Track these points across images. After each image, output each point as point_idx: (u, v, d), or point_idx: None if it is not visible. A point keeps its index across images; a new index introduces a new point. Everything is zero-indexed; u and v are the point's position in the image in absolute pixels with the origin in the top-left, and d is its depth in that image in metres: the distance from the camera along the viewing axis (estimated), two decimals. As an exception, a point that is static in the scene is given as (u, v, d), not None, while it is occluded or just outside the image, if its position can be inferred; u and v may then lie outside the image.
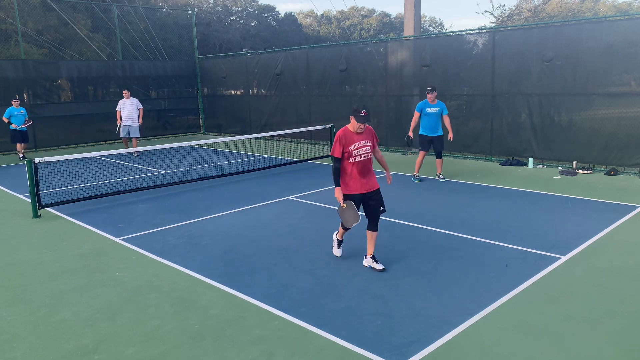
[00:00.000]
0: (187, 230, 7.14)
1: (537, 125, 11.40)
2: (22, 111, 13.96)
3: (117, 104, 14.59)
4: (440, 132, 9.81)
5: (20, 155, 14.34)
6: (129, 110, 14.23)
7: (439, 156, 10.01)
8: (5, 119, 13.75)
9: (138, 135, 14.46)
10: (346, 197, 5.33)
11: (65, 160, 11.50)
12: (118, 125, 14.37)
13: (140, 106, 14.50)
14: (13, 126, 13.81)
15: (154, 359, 3.84)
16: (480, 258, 5.73)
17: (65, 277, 5.52)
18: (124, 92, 14.35)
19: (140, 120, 14.46)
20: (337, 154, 5.27)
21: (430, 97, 9.60)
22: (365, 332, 4.13)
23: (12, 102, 13.85)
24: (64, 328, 4.37)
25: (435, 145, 9.88)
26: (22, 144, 14.29)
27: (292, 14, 46.15)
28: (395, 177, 10.29)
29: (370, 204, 5.44)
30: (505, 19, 28.34)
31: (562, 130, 11.04)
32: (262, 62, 17.74)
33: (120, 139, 14.75)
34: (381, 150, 14.53)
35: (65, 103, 17.31)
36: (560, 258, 5.66)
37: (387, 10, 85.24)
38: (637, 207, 7.77)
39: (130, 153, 14.32)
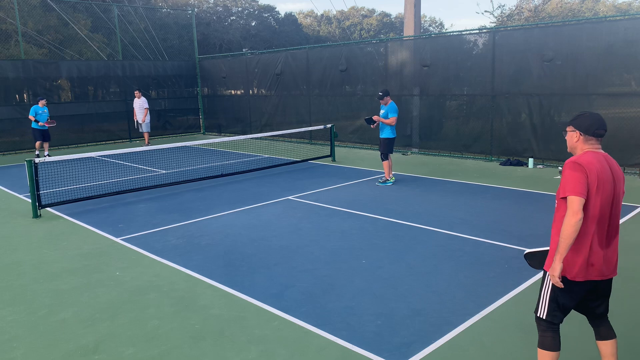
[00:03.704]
0: (187, 230, 7.14)
1: (537, 125, 11.40)
2: (45, 110, 14.00)
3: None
4: (381, 134, 9.75)
5: (45, 152, 14.30)
6: (136, 110, 16.24)
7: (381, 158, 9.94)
8: (31, 117, 13.74)
9: (145, 130, 16.31)
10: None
11: (65, 160, 11.49)
12: (135, 121, 16.50)
13: (146, 106, 16.16)
14: (39, 124, 13.79)
15: (154, 359, 3.84)
16: (480, 258, 5.73)
17: (65, 277, 5.52)
18: (135, 92, 16.23)
19: (144, 118, 16.16)
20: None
21: (381, 102, 9.68)
22: (365, 332, 4.12)
23: (39, 102, 13.87)
24: (64, 328, 4.37)
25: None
26: (45, 143, 14.25)
27: (292, 14, 46.15)
28: (395, 177, 10.27)
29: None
30: (505, 19, 28.33)
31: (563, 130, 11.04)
32: (262, 62, 17.74)
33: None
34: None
35: (65, 103, 17.32)
36: (560, 258, 5.65)
37: (387, 10, 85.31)
38: (637, 207, 7.77)
39: (147, 144, 16.31)
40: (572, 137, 3.10)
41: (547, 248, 3.18)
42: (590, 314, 3.23)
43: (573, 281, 3.00)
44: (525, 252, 3.32)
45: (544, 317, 3.10)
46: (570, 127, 3.09)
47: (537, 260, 3.27)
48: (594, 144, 3.05)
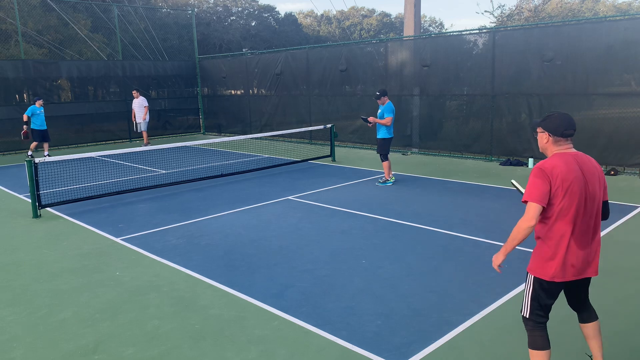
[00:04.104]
0: (187, 230, 7.14)
1: (537, 125, 11.39)
2: (42, 110, 13.91)
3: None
4: (378, 135, 9.75)
5: (45, 153, 14.23)
6: (136, 109, 16.26)
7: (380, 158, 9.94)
8: (25, 117, 13.65)
9: (143, 129, 16.26)
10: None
11: (65, 160, 11.49)
12: (134, 122, 16.45)
13: (145, 104, 16.16)
14: (24, 129, 13.69)
15: (154, 359, 3.84)
16: (480, 258, 5.73)
17: (65, 277, 5.52)
18: (133, 92, 16.29)
19: (145, 116, 16.08)
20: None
21: (378, 102, 9.67)
22: (365, 332, 4.12)
23: (36, 102, 13.77)
24: (64, 328, 4.37)
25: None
26: (45, 143, 14.20)
27: (292, 14, 46.14)
28: (395, 177, 10.27)
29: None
30: (505, 19, 28.32)
31: (562, 130, 11.03)
32: (262, 62, 17.74)
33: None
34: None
35: (65, 103, 17.32)
36: (560, 258, 5.65)
37: (387, 10, 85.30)
38: (637, 207, 7.77)
39: (147, 144, 16.19)
40: (542, 139, 3.12)
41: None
42: (570, 302, 3.34)
43: (552, 282, 3.03)
44: (513, 181, 3.53)
45: (527, 316, 3.15)
46: (540, 128, 3.11)
47: (517, 191, 3.49)
48: (564, 144, 3.05)
